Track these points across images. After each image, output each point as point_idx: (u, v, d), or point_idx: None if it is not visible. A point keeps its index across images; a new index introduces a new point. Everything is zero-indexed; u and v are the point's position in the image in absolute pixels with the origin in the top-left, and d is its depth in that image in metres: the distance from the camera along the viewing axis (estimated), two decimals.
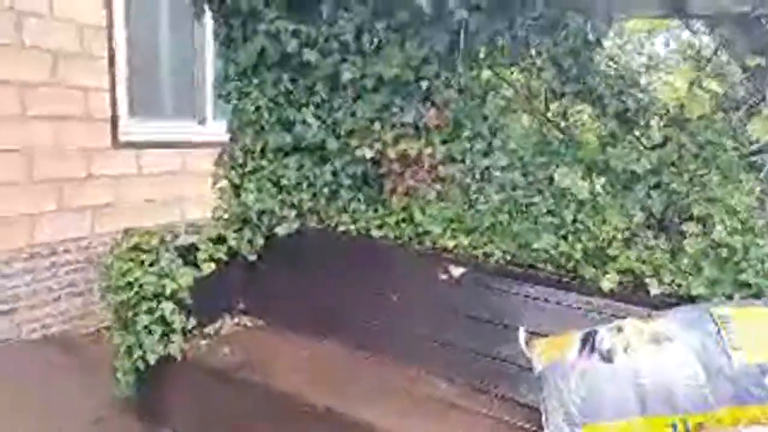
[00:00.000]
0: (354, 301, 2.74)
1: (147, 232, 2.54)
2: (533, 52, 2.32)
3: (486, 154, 2.50)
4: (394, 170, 2.76)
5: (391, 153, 2.69)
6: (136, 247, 2.45)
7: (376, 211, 2.84)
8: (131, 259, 2.43)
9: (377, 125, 2.70)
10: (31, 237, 3.37)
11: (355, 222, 2.86)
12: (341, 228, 2.88)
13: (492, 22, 2.32)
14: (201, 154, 4.13)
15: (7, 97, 3.15)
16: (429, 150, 2.62)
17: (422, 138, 2.63)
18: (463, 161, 2.58)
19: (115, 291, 2.40)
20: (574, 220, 2.31)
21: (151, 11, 4.00)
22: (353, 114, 2.76)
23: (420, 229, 2.65)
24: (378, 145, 2.71)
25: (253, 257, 2.90)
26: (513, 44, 2.36)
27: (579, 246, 2.28)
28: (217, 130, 4.21)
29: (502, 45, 2.38)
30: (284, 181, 2.93)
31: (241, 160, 2.93)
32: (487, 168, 2.49)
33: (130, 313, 2.39)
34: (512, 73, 2.43)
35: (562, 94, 2.30)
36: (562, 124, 2.41)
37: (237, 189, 2.92)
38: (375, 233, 2.78)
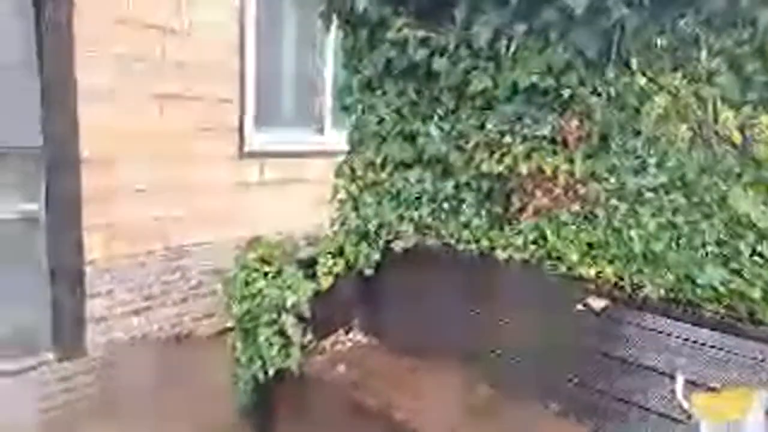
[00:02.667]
0: (474, 327, 2.55)
1: (270, 244, 2.55)
2: (704, 54, 1.98)
3: (638, 172, 2.19)
4: (525, 187, 2.52)
5: (523, 168, 2.46)
6: (260, 259, 2.46)
7: (501, 230, 2.62)
8: (255, 270, 2.44)
9: (507, 138, 2.49)
10: (164, 241, 3.59)
11: (477, 240, 2.67)
12: (461, 246, 2.70)
13: (654, 21, 2.01)
14: (318, 162, 4.19)
15: (150, 108, 3.40)
16: (567, 166, 2.35)
17: (559, 152, 2.38)
18: (608, 179, 2.28)
19: (239, 300, 2.42)
20: (753, 253, 1.93)
21: (279, 25, 4.14)
22: (481, 126, 2.57)
23: (553, 254, 2.39)
24: (507, 160, 2.49)
25: (369, 271, 2.82)
26: (678, 46, 2.03)
27: (758, 283, 1.90)
28: (334, 138, 4.25)
29: (663, 47, 2.06)
30: (404, 195, 2.81)
31: (360, 173, 2.87)
32: (639, 188, 2.17)
33: (251, 324, 2.40)
34: (674, 79, 2.10)
35: (742, 103, 1.94)
36: (737, 138, 2.03)
37: (356, 201, 2.85)
38: (499, 254, 2.56)
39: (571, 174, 2.36)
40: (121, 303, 3.41)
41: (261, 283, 2.40)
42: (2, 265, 2.90)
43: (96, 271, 3.28)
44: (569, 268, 2.34)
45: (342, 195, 2.91)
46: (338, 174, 2.94)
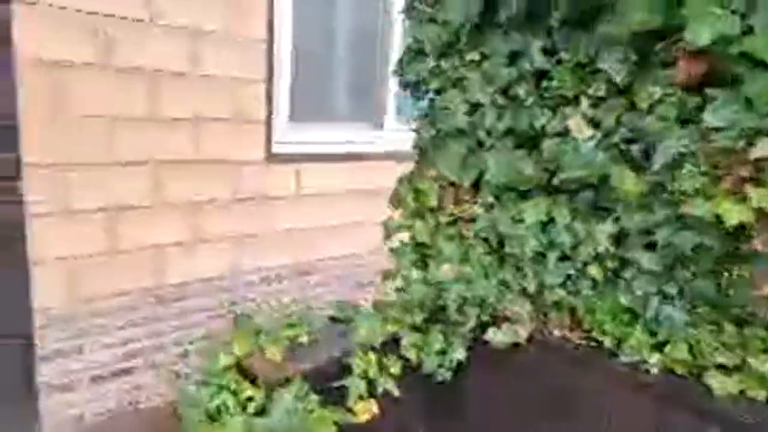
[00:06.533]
0: None
1: (264, 331, 1.39)
2: None
3: None
4: None
5: None
6: (237, 369, 1.31)
7: (719, 331, 1.30)
8: (230, 390, 1.30)
9: (742, 143, 1.16)
10: (157, 277, 2.57)
11: (659, 346, 1.37)
12: (626, 353, 1.41)
13: None
14: (376, 167, 3.00)
15: (136, 89, 2.35)
16: None
17: None
18: None
19: None
20: None
21: None
22: (687, 120, 1.25)
23: None
24: (757, 193, 1.17)
25: (444, 377, 1.60)
26: None
27: None
28: (396, 135, 3.06)
29: None
30: (512, 246, 1.56)
31: (433, 202, 1.64)
32: None
33: None
34: None
35: None
36: None
37: (423, 252, 1.63)
38: (712, 382, 1.26)
39: None
40: (91, 365, 2.43)
41: (235, 421, 1.24)
42: None
43: (53, 323, 2.31)
44: None
45: (399, 239, 1.70)
46: (394, 202, 1.73)
